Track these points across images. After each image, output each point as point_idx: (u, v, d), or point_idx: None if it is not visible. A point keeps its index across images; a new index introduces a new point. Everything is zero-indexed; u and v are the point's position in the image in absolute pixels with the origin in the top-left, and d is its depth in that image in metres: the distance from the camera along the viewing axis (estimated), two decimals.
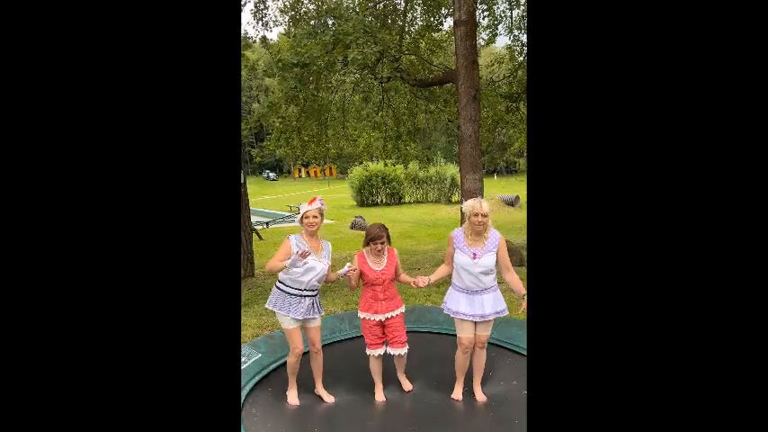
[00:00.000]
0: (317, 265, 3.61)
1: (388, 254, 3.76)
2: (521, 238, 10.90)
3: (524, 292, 3.58)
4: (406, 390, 3.95)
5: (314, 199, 3.66)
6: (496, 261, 3.57)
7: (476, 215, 3.47)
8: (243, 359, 4.15)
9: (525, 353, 4.25)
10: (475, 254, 3.52)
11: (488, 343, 3.79)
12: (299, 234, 3.71)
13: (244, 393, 3.79)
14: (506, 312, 3.66)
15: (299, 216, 3.66)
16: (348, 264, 3.62)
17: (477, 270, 3.53)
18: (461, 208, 3.61)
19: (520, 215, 16.66)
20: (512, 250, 8.97)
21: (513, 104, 10.70)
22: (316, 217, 3.62)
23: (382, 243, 3.66)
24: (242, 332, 5.46)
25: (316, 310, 3.76)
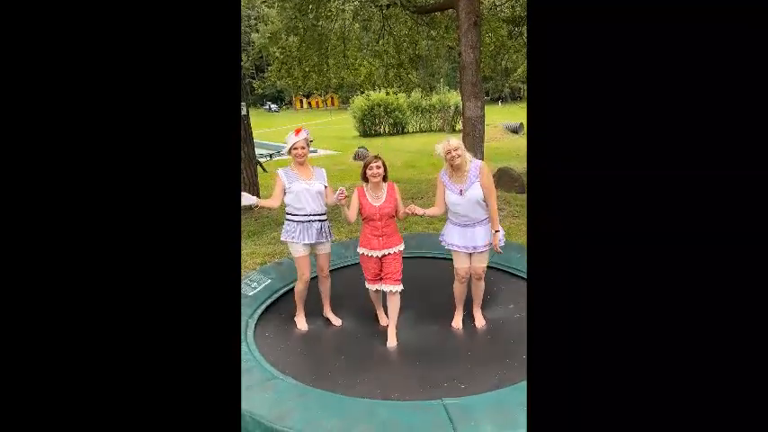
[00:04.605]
0: (307, 187, 3.77)
1: (387, 188, 3.77)
2: (523, 166, 10.95)
3: (497, 228, 3.71)
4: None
5: (299, 129, 3.76)
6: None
7: (448, 152, 3.55)
8: (254, 285, 4.34)
9: (523, 275, 4.43)
10: (461, 190, 3.62)
11: (487, 267, 3.94)
12: (288, 166, 3.87)
13: (256, 317, 4.00)
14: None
15: (287, 148, 3.80)
16: (340, 188, 3.66)
17: (467, 204, 3.63)
18: (434, 153, 3.69)
19: (523, 142, 16.62)
20: (514, 177, 9.09)
21: (516, 29, 10.52)
22: (303, 147, 3.78)
23: (378, 166, 3.66)
24: (252, 260, 5.67)
25: (325, 235, 3.92)
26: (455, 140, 3.61)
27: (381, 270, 3.80)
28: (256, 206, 3.73)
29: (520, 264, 4.62)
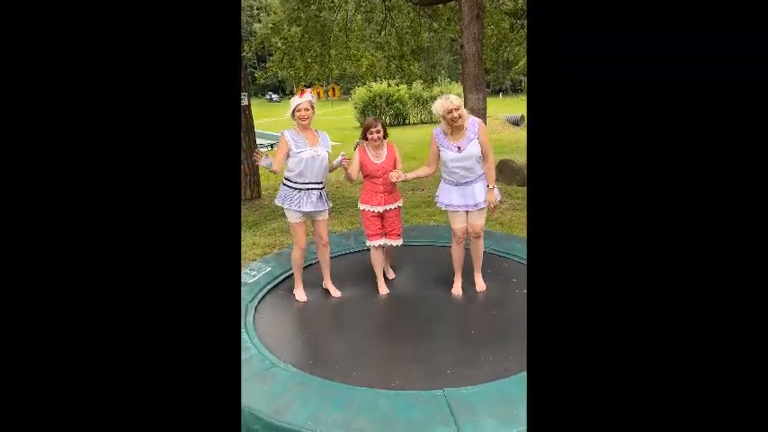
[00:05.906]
0: (314, 154, 3.73)
1: (387, 147, 3.92)
2: (524, 158, 10.92)
3: (493, 185, 3.75)
4: (390, 278, 4.31)
5: (304, 91, 3.75)
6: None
7: (449, 112, 3.49)
8: (254, 273, 4.35)
9: (524, 262, 4.41)
10: (459, 147, 3.59)
11: (489, 253, 3.93)
12: (292, 128, 3.80)
13: (256, 302, 4.00)
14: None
15: (291, 110, 3.73)
16: (342, 153, 3.79)
17: (466, 162, 3.61)
18: (433, 110, 3.67)
19: (524, 134, 16.58)
20: (514, 170, 9.07)
21: (518, 22, 10.50)
22: (307, 109, 3.71)
23: (378, 131, 3.80)
24: (252, 250, 5.67)
25: (323, 202, 3.91)
26: (455, 98, 3.55)
27: (383, 226, 4.01)
28: (274, 171, 3.74)
29: (522, 252, 4.59)
